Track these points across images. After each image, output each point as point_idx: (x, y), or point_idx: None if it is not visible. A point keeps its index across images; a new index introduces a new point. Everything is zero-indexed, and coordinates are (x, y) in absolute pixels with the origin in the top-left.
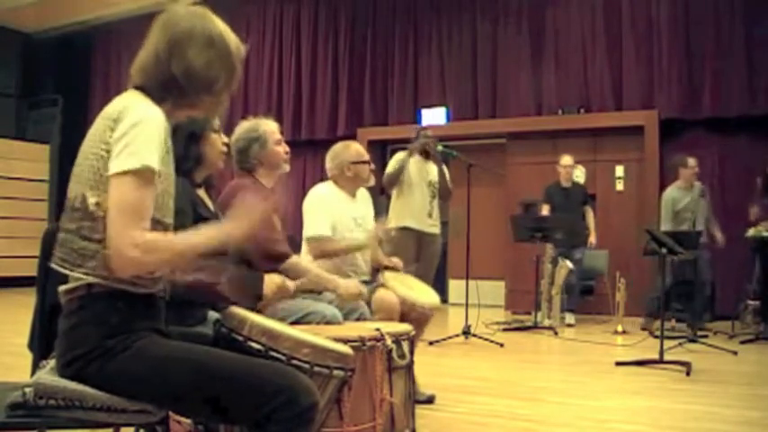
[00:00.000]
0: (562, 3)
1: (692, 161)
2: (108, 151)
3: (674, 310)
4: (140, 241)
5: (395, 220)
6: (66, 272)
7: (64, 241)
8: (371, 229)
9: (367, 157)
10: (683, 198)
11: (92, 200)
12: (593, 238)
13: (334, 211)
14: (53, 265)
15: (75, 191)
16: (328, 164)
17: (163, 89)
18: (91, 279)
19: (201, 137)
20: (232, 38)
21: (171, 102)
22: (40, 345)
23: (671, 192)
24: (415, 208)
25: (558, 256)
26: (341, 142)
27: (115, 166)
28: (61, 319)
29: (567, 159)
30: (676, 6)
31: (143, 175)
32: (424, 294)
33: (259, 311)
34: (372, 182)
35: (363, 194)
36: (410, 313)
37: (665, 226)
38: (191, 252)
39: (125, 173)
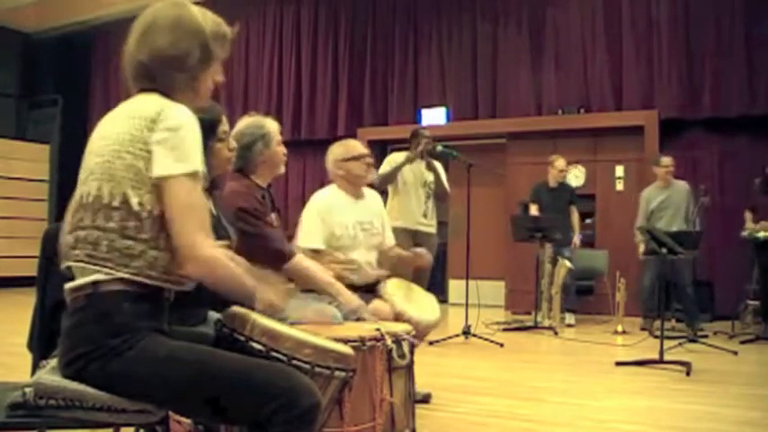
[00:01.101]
0: (562, 3)
1: (665, 160)
2: (149, 151)
3: (674, 310)
4: (213, 245)
5: (390, 220)
6: (93, 268)
7: (99, 239)
8: (368, 273)
9: (358, 152)
10: (656, 197)
11: (135, 199)
12: (576, 239)
13: (334, 218)
14: (71, 263)
15: (99, 188)
16: (327, 165)
17: (140, 78)
18: (135, 278)
19: (205, 148)
20: (208, 18)
21: (161, 91)
22: (40, 345)
23: (646, 191)
24: (411, 208)
25: (558, 256)
26: (338, 141)
27: (167, 168)
28: (65, 317)
29: (562, 163)
30: (676, 6)
31: (197, 178)
32: (424, 309)
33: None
34: (372, 177)
35: (372, 196)
36: None
37: (639, 224)
38: (237, 285)
39: (181, 176)
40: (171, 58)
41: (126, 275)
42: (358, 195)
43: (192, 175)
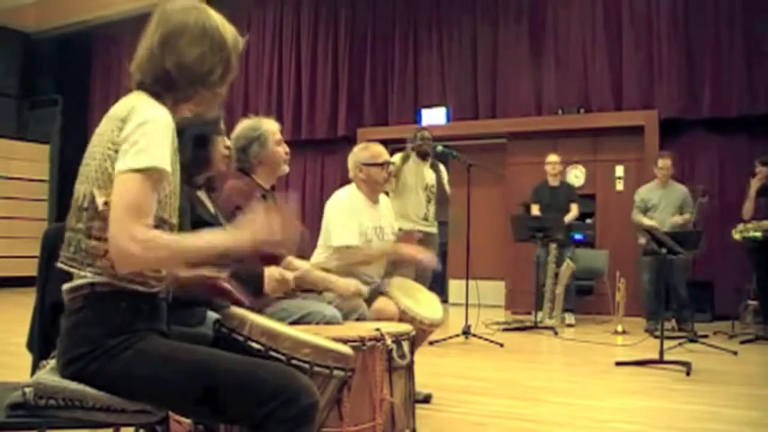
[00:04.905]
0: (562, 3)
1: (661, 162)
2: (116, 151)
3: (674, 310)
4: (141, 237)
5: None
6: (75, 271)
7: (71, 240)
8: (395, 243)
9: (382, 160)
10: (651, 195)
11: (100, 199)
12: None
13: (358, 217)
14: (59, 265)
15: (81, 190)
16: (348, 165)
17: (158, 84)
18: (99, 278)
19: (209, 141)
20: (229, 30)
21: (170, 97)
22: (40, 345)
23: (641, 189)
24: (411, 211)
25: (562, 256)
26: (364, 142)
27: (122, 163)
28: (63, 318)
29: (553, 157)
30: (676, 6)
31: (150, 174)
32: (427, 307)
33: (259, 311)
34: (390, 186)
35: (386, 203)
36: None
37: (636, 220)
38: (192, 255)
39: (131, 170)
40: (198, 73)
41: (90, 275)
42: (375, 200)
43: (145, 171)
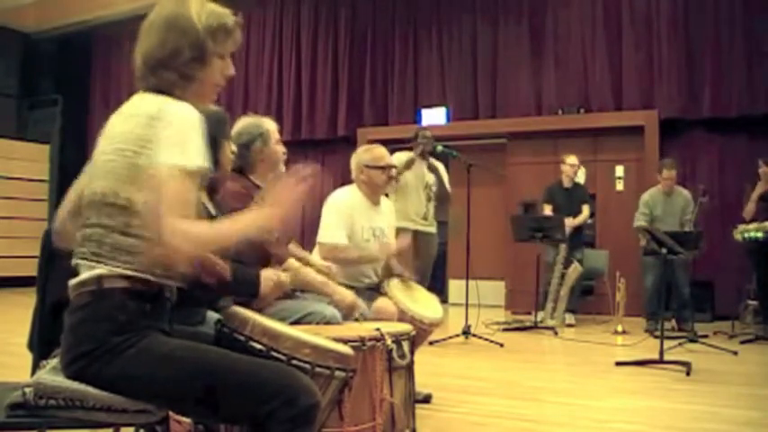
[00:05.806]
0: (562, 3)
1: (666, 173)
2: (143, 147)
3: (674, 310)
4: (191, 234)
5: None
6: (97, 266)
7: (92, 236)
8: (387, 244)
9: (384, 163)
10: (658, 203)
11: (137, 197)
12: (571, 222)
13: (352, 218)
14: (77, 261)
15: (104, 186)
16: (351, 166)
17: (138, 80)
18: (140, 274)
19: (218, 144)
20: (204, 12)
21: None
22: (40, 345)
23: (647, 195)
24: (411, 210)
25: (571, 257)
26: (367, 144)
27: (164, 159)
28: (68, 315)
29: (573, 159)
30: (676, 6)
31: (190, 172)
32: (427, 308)
33: (260, 311)
34: (391, 189)
35: (387, 205)
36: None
37: (639, 224)
38: (229, 239)
39: (174, 168)
40: (159, 58)
41: (129, 272)
42: (375, 202)
43: (186, 169)
